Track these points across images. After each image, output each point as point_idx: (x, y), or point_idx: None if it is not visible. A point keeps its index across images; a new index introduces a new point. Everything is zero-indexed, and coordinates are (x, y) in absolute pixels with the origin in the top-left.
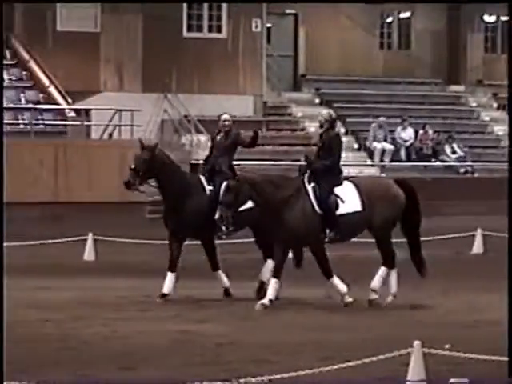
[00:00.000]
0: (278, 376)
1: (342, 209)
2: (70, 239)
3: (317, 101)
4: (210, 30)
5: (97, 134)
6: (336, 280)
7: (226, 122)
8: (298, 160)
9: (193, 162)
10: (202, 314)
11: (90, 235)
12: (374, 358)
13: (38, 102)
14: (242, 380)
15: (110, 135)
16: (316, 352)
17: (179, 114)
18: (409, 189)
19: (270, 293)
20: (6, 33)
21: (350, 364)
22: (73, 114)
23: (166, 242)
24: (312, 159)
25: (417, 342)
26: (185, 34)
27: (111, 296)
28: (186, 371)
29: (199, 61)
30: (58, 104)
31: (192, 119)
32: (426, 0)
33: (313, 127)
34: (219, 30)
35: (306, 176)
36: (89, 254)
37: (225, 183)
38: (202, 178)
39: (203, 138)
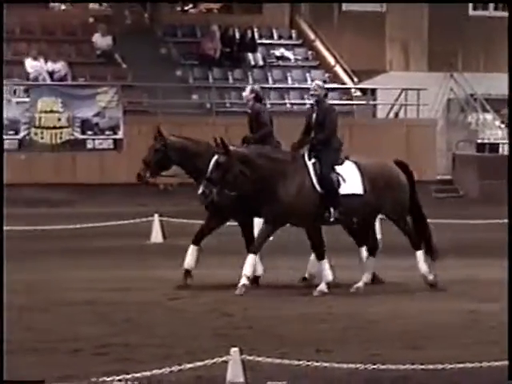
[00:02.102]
0: None
1: (343, 189)
2: None
3: None
4: (495, 8)
5: (382, 113)
6: (326, 265)
7: (244, 93)
8: None
9: (479, 141)
10: (486, 293)
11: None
12: None
13: (324, 82)
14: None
15: (396, 114)
16: None
17: (465, 93)
18: (407, 169)
19: (247, 270)
20: (293, 13)
21: None
22: (358, 93)
23: (452, 221)
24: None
25: None
26: (470, 12)
27: (397, 276)
28: (475, 351)
29: (485, 39)
30: (343, 83)
31: (478, 98)
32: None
33: None
34: (505, 9)
35: (306, 152)
36: None
37: (214, 159)
38: None
39: (489, 116)
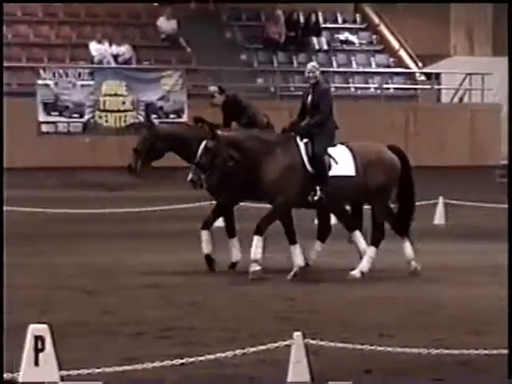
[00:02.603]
0: None
1: (335, 170)
2: (418, 203)
3: None
4: None
5: (447, 98)
6: (297, 249)
7: (217, 98)
8: None
9: None
10: None
11: (441, 199)
12: None
13: (388, 66)
14: None
15: (461, 99)
16: None
17: None
18: (402, 154)
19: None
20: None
21: None
22: (423, 77)
23: None
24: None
25: None
26: None
27: (460, 260)
28: None
29: None
30: (407, 68)
31: None
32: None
33: None
34: None
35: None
36: (439, 218)
37: (203, 143)
38: None
39: None
